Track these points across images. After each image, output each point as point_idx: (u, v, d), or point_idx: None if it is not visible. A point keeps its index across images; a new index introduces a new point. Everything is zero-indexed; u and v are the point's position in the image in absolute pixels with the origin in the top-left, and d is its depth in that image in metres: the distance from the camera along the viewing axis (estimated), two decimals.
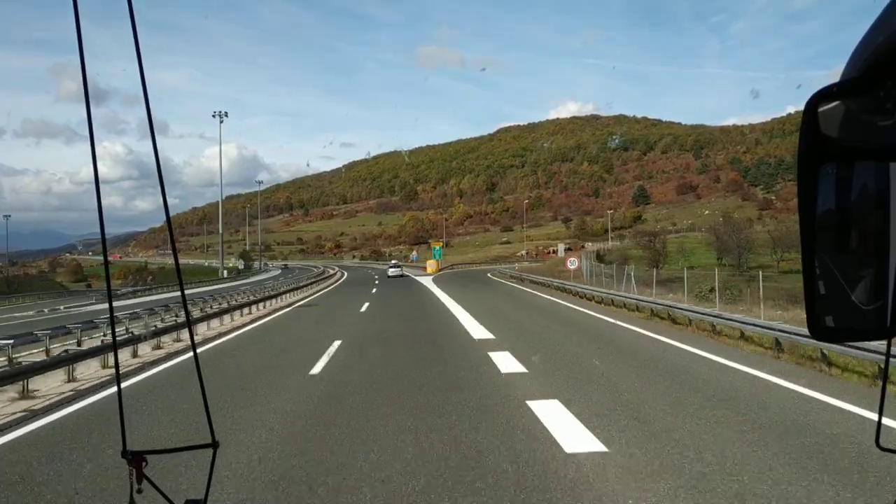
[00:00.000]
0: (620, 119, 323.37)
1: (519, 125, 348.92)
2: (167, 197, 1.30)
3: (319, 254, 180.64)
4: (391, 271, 70.18)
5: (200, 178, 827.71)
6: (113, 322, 1.44)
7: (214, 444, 1.30)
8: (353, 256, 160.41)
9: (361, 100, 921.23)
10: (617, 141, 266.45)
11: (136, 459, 1.26)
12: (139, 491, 1.25)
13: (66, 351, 12.57)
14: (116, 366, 2.51)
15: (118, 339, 8.07)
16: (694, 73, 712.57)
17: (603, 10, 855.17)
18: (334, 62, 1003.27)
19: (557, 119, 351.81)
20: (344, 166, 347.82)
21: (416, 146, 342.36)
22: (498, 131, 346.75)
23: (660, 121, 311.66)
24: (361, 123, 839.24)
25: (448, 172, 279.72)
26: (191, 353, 8.83)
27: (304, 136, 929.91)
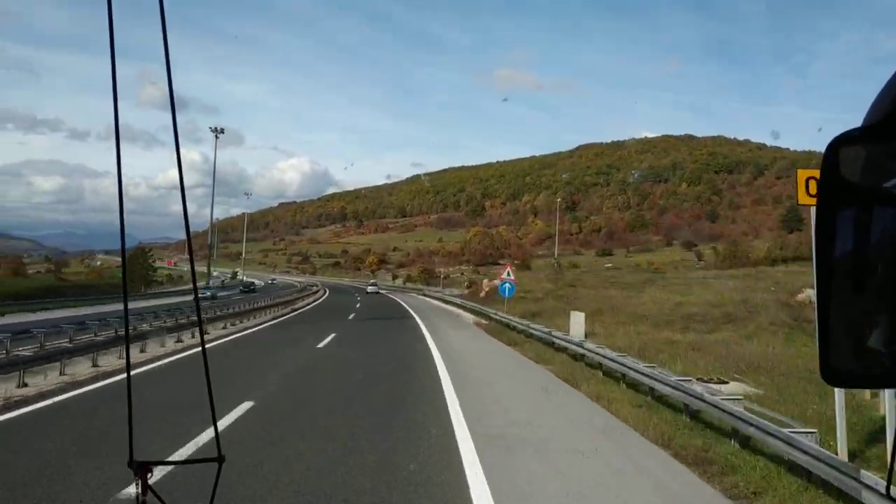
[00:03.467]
0: (719, 140, 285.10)
1: (601, 143, 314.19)
2: (194, 206, 1.39)
3: (356, 269, 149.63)
4: (370, 289, 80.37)
5: (272, 189, 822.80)
6: (127, 328, 1.45)
7: (220, 459, 1.29)
8: (395, 277, 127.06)
9: (430, 120, 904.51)
10: (722, 161, 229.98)
11: (142, 469, 1.24)
12: (143, 502, 1.24)
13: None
14: (128, 375, 1.29)
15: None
16: (769, 111, 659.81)
17: (681, 45, 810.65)
18: (405, 82, 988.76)
19: (646, 138, 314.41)
20: (406, 179, 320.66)
21: (485, 161, 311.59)
22: (578, 148, 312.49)
23: (764, 145, 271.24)
24: (429, 144, 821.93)
25: (520, 188, 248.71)
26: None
27: (373, 153, 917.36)
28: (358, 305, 50.05)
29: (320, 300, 58.83)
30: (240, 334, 24.78)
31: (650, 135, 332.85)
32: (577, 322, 22.57)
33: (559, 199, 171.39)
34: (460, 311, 44.18)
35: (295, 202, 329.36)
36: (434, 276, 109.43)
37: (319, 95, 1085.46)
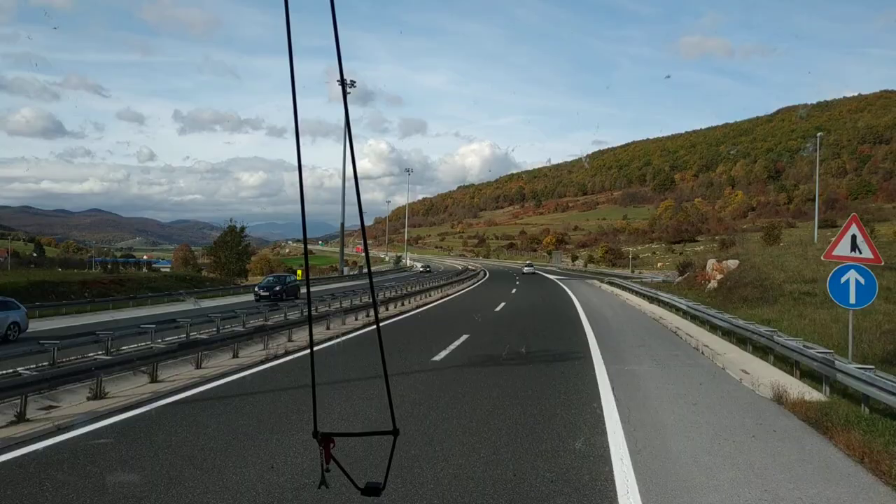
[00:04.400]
0: None
1: (804, 104, 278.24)
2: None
3: (532, 251, 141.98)
4: (525, 269, 75.77)
5: (454, 174, 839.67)
6: (310, 305, 2.65)
7: (395, 432, 1.36)
8: (575, 258, 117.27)
9: (612, 95, 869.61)
10: None
11: (325, 440, 1.35)
12: (327, 470, 1.35)
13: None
14: (311, 354, 1.67)
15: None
16: None
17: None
18: (587, 60, 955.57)
19: (860, 95, 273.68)
20: (588, 155, 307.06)
21: (672, 133, 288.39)
22: (779, 112, 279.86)
23: None
24: (613, 120, 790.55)
25: (714, 158, 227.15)
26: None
27: (554, 134, 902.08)
28: (499, 308, 29.15)
29: (452, 295, 38.59)
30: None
31: (865, 92, 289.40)
32: None
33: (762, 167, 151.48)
34: (714, 344, 16.63)
35: (473, 185, 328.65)
36: (620, 257, 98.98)
37: (500, 80, 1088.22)
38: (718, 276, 32.91)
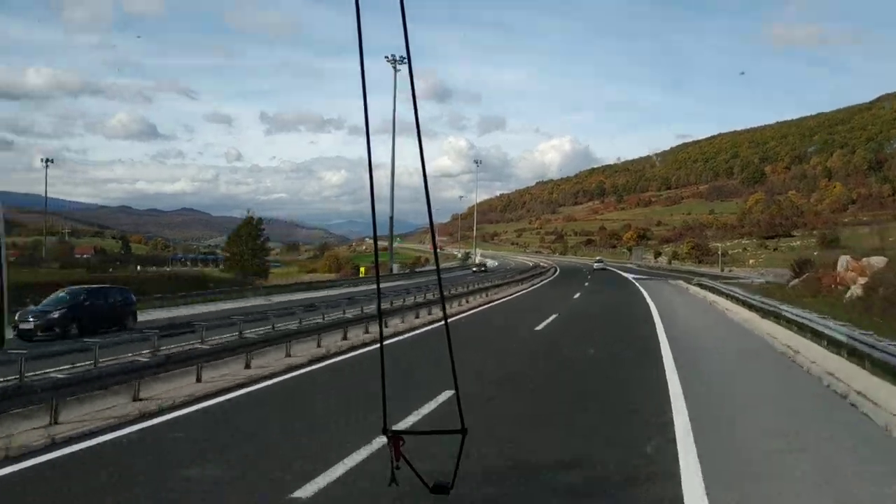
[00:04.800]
0: None
1: None
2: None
3: (611, 247, 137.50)
4: (595, 265, 73.69)
5: (533, 170, 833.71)
6: (380, 304, 3.33)
7: (463, 431, 1.40)
8: (658, 254, 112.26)
9: (695, 88, 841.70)
10: None
11: (394, 438, 1.40)
12: (397, 468, 1.38)
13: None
14: (381, 350, 1.78)
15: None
16: None
17: None
18: (668, 52, 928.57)
19: None
20: (671, 148, 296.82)
21: (760, 124, 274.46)
22: (879, 98, 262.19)
23: None
24: (695, 112, 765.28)
25: (807, 149, 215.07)
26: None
27: (636, 128, 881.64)
28: (542, 326, 21.08)
29: (497, 301, 32.47)
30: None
31: None
32: None
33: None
34: None
35: (551, 181, 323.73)
36: (708, 253, 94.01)
37: (580, 75, 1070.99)
38: (861, 280, 24.84)
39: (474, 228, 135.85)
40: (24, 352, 11.42)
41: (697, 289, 39.37)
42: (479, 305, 29.10)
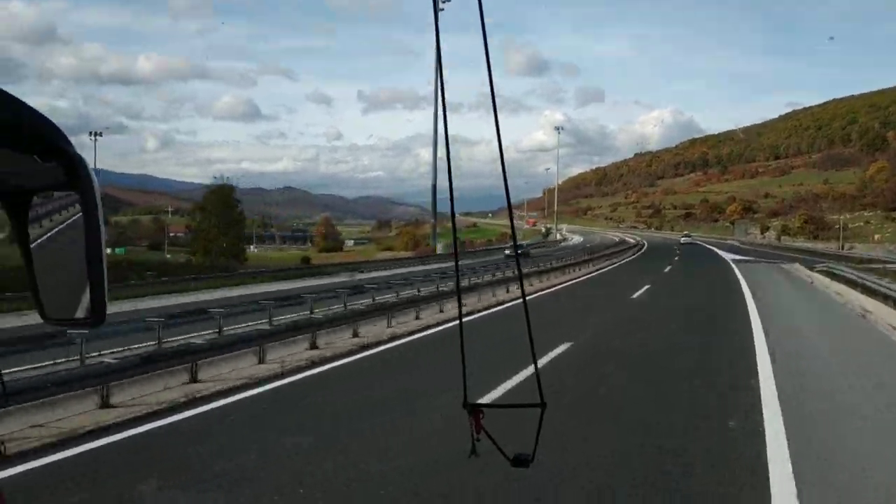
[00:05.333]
0: None
1: None
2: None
3: (713, 221, 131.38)
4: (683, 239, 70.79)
5: (632, 143, 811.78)
6: (458, 277, 2.12)
7: (542, 405, 1.37)
8: (765, 228, 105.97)
9: (806, 54, 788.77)
10: None
11: (474, 411, 1.38)
12: (478, 440, 1.37)
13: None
14: (460, 324, 1.53)
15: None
16: None
17: None
18: (776, 17, 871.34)
19: None
20: (780, 116, 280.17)
21: (880, 87, 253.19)
22: None
23: None
24: (806, 79, 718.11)
25: None
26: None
27: (742, 96, 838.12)
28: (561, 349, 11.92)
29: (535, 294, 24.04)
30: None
31: None
32: None
33: None
34: None
35: (650, 152, 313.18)
36: (824, 227, 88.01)
37: (683, 43, 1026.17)
38: None
39: (555, 203, 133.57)
40: (161, 319, 12.21)
41: (823, 278, 28.02)
42: (506, 302, 20.83)
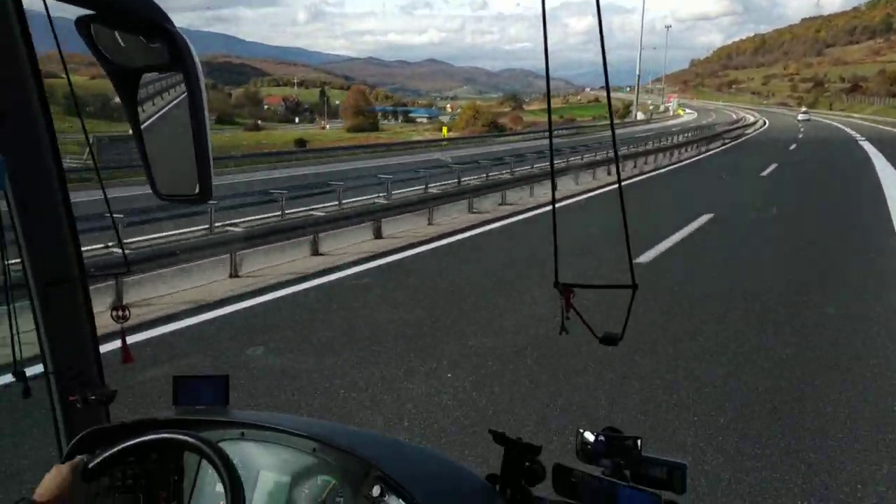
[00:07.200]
0: None
1: None
2: None
3: (889, 96, 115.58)
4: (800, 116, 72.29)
5: (806, 9, 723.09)
6: (552, 155, 3.31)
7: (634, 286, 1.35)
8: None
9: None
10: None
11: (565, 291, 1.40)
12: (567, 318, 1.40)
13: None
14: (553, 206, 1.41)
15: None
16: None
17: None
18: None
19: None
20: None
21: None
22: None
23: None
24: None
25: None
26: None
27: None
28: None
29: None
30: None
31: None
32: None
33: None
34: None
35: (821, 17, 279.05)
36: None
37: None
38: None
39: (663, 75, 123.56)
40: (285, 191, 12.65)
41: None
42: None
